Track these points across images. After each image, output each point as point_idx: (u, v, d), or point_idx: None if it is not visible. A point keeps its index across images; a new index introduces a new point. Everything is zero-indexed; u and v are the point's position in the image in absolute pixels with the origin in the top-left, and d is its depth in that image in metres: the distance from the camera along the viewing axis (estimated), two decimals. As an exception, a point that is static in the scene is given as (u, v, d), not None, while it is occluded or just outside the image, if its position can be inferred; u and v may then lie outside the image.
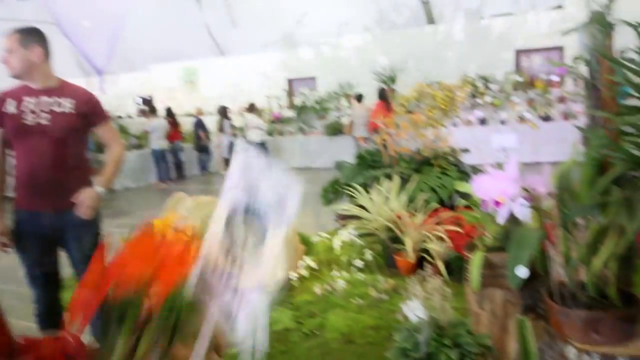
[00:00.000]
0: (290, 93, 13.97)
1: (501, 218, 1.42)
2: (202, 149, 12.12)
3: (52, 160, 2.32)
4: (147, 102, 15.92)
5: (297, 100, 12.64)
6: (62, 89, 2.42)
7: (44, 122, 2.32)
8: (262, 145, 11.12)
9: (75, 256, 2.39)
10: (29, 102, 2.33)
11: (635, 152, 1.32)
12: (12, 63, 2.33)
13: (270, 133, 11.89)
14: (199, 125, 11.92)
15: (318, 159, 11.16)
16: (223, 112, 11.62)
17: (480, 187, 1.40)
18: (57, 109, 2.35)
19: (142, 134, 11.35)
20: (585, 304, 1.33)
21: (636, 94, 1.36)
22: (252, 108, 11.34)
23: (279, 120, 12.70)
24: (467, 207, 2.52)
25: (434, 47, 11.88)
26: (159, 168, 10.82)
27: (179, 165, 11.73)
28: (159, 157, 10.78)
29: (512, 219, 1.50)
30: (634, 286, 1.35)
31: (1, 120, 2.35)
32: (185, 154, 11.95)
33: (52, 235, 2.34)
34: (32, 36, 2.38)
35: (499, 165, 1.60)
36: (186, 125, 12.21)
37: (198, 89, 13.96)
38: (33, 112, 2.32)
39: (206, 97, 13.62)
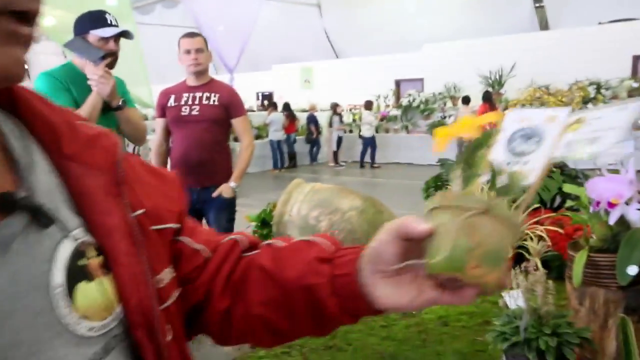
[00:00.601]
0: (398, 93, 13.89)
1: (612, 219, 1.37)
2: (313, 141, 12.48)
3: (202, 144, 2.58)
4: (268, 97, 16.65)
5: (404, 101, 12.54)
6: (211, 84, 2.67)
7: (195, 112, 2.58)
8: (372, 140, 11.24)
9: (213, 226, 2.64)
10: (186, 96, 2.60)
11: None
12: (200, 60, 2.61)
13: (376, 130, 11.95)
14: (312, 120, 12.29)
15: (421, 156, 11.02)
16: (334, 108, 11.87)
17: (595, 189, 1.36)
18: (206, 102, 2.60)
19: (262, 126, 11.92)
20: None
21: None
22: (368, 105, 11.48)
23: (385, 118, 12.70)
24: (572, 208, 2.41)
25: (546, 52, 11.16)
26: (274, 157, 11.32)
27: (292, 155, 12.19)
28: (275, 147, 11.29)
29: (622, 222, 1.44)
30: None
31: (164, 112, 2.65)
32: (298, 145, 12.38)
33: (199, 209, 2.61)
34: (205, 40, 2.67)
35: (614, 170, 1.53)
36: (301, 119, 12.63)
37: (313, 88, 14.33)
38: (188, 104, 2.59)
39: (320, 95, 13.97)
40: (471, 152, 0.60)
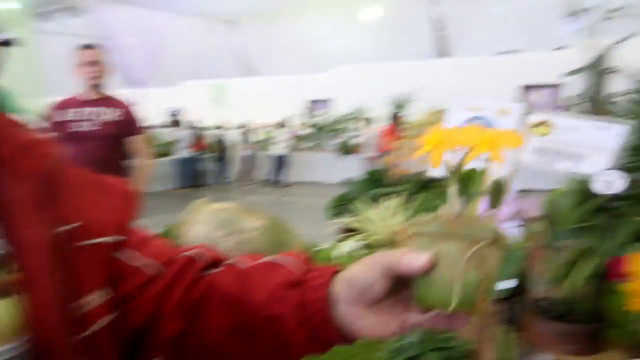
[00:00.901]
0: (309, 113, 14.12)
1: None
2: (223, 160, 12.28)
3: (96, 162, 2.43)
4: (176, 114, 16.19)
5: (315, 120, 12.76)
6: (108, 99, 2.53)
7: (90, 128, 2.43)
8: (284, 158, 11.32)
9: None
10: (80, 111, 2.44)
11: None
12: (99, 73, 2.44)
13: (289, 148, 12.04)
14: (222, 137, 12.10)
15: (330, 175, 11.22)
16: (245, 127, 11.82)
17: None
18: (101, 118, 2.46)
19: (169, 143, 11.55)
20: (561, 318, 1.36)
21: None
22: (281, 124, 11.56)
23: (296, 137, 12.83)
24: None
25: (445, 78, 11.95)
26: (181, 175, 10.98)
27: (200, 174, 11.90)
28: (182, 164, 10.95)
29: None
30: (603, 303, 1.38)
31: (55, 127, 2.46)
32: (207, 163, 12.11)
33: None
34: (104, 52, 2.52)
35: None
36: (211, 137, 12.40)
37: (225, 105, 14.16)
38: (82, 119, 2.43)
39: (233, 113, 13.84)
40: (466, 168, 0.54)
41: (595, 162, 0.55)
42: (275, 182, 11.62)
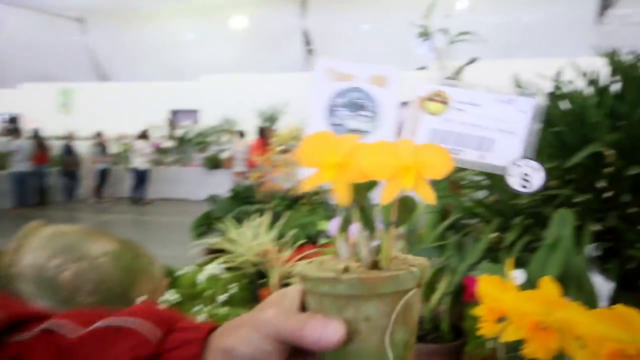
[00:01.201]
0: (172, 124, 13.60)
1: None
2: (71, 174, 11.27)
3: None
4: (14, 120, 14.54)
5: (178, 132, 12.31)
6: None
7: None
8: (145, 173, 10.71)
9: None
10: None
11: (467, 202, 1.46)
12: None
13: (150, 162, 11.44)
14: (69, 149, 11.11)
15: (195, 192, 10.88)
16: (98, 137, 11.00)
17: (335, 227, 1.45)
18: None
19: (3, 154, 10.30)
20: (422, 337, 1.41)
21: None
22: (142, 135, 10.92)
23: (157, 149, 12.26)
24: (329, 244, 2.59)
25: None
26: (19, 192, 9.83)
27: (42, 191, 10.77)
28: (19, 180, 9.82)
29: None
30: (463, 321, 1.46)
31: None
32: (52, 178, 11.02)
33: None
34: None
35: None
36: (55, 148, 11.32)
37: (73, 112, 13.06)
38: None
39: (82, 121, 12.79)
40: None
41: (508, 150, 0.46)
42: (134, 200, 10.94)
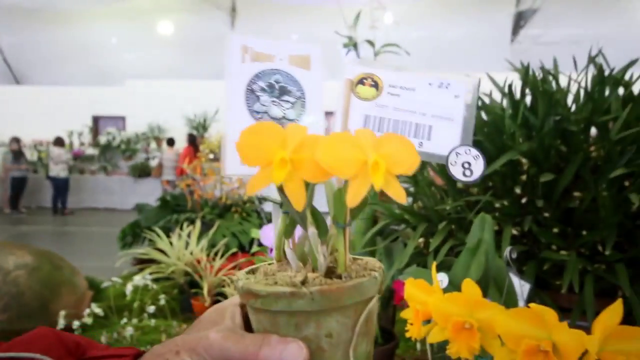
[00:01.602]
0: (96, 130, 12.99)
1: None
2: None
3: None
4: None
5: (103, 139, 11.78)
6: None
7: None
8: (64, 182, 10.15)
9: None
10: None
11: (395, 209, 1.50)
12: None
13: (70, 170, 10.84)
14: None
15: (122, 201, 10.44)
16: (12, 143, 10.30)
17: (267, 236, 1.44)
18: None
19: None
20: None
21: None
22: (59, 142, 10.32)
23: (79, 157, 11.65)
24: (262, 252, 2.57)
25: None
26: None
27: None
28: None
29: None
30: (394, 324, 1.50)
31: None
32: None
33: None
34: None
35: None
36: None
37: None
38: None
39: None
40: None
41: (446, 137, 0.43)
42: (55, 210, 10.32)
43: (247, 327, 0.40)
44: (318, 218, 0.39)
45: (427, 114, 0.44)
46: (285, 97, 0.43)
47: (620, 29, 11.58)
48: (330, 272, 0.39)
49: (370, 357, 0.40)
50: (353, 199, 0.35)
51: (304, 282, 0.37)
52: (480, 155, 0.45)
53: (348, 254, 0.39)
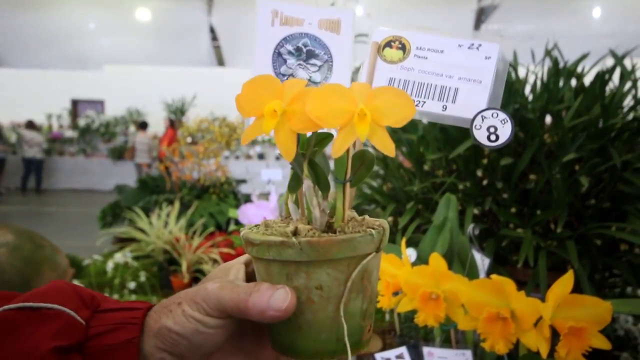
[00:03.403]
0: (75, 113, 12.61)
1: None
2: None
3: None
4: None
5: (82, 122, 11.44)
6: None
7: None
8: (39, 163, 9.88)
9: None
10: None
11: (367, 191, 1.51)
12: None
13: (48, 152, 10.52)
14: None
15: (100, 182, 10.22)
16: (-8, 125, 9.95)
17: (245, 215, 1.44)
18: None
19: None
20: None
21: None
22: (31, 125, 10.00)
23: (58, 139, 11.31)
24: (238, 231, 2.57)
25: (223, 86, 12.08)
26: None
27: None
28: None
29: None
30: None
31: None
32: None
33: None
34: None
35: (264, 196, 1.67)
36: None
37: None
38: None
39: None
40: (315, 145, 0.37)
41: (473, 100, 0.40)
42: (23, 189, 10.08)
43: (251, 282, 0.40)
44: (318, 172, 0.37)
45: (454, 76, 0.41)
46: (312, 61, 0.41)
47: (572, 26, 11.83)
48: (328, 228, 0.37)
49: (367, 316, 0.38)
50: (337, 149, 0.34)
51: (295, 233, 0.35)
52: (508, 119, 0.40)
53: (347, 210, 0.38)
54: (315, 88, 0.34)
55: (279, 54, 0.41)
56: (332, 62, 0.41)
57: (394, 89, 0.37)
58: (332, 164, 0.41)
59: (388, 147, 0.34)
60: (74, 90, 12.81)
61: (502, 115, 0.40)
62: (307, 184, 0.37)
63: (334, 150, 0.34)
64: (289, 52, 0.41)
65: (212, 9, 13.39)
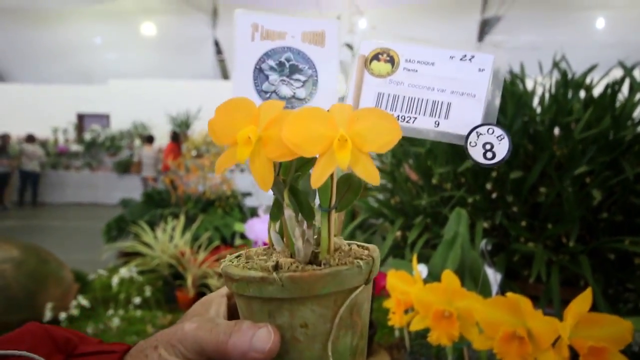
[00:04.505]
0: (80, 127, 12.69)
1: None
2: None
3: None
4: None
5: (87, 136, 11.51)
6: None
7: None
8: (37, 177, 10.02)
9: None
10: None
11: (373, 203, 1.50)
12: None
13: (54, 166, 10.58)
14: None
15: (106, 196, 10.25)
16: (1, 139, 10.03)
17: (252, 230, 1.43)
18: None
19: None
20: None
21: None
22: (31, 139, 10.11)
23: (64, 153, 11.37)
24: (244, 245, 2.55)
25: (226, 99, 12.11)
26: None
27: None
28: None
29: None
30: (371, 313, 1.50)
31: None
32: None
33: None
34: None
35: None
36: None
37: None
38: None
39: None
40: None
41: (467, 115, 0.38)
42: (20, 202, 10.19)
43: (235, 317, 0.38)
44: (301, 199, 0.35)
45: (447, 90, 0.39)
46: (296, 76, 0.39)
47: (576, 37, 11.85)
48: (315, 257, 0.35)
49: (358, 353, 0.35)
50: (316, 179, 0.31)
51: (276, 268, 0.33)
52: (505, 136, 0.38)
53: (332, 239, 0.35)
54: (293, 112, 0.32)
55: (261, 70, 0.39)
56: (317, 76, 0.39)
57: (377, 110, 0.34)
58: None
59: (372, 176, 0.31)
60: (79, 104, 12.90)
61: (499, 132, 0.38)
62: (287, 213, 0.35)
63: (313, 180, 0.31)
64: (271, 68, 0.39)
65: (217, 23, 13.51)
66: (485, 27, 13.05)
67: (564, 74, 1.46)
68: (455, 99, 0.39)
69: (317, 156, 0.32)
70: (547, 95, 1.49)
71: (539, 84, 1.53)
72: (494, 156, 0.38)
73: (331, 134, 0.32)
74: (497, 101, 0.40)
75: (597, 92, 1.49)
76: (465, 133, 0.39)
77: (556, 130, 1.45)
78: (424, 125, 0.39)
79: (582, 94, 1.50)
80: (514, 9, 11.85)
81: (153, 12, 13.49)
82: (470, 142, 0.38)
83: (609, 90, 1.38)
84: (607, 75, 1.55)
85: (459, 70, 0.39)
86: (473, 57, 0.39)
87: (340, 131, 0.32)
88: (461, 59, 0.39)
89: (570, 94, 1.46)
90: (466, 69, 0.39)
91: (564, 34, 11.40)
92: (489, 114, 0.39)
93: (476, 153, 0.38)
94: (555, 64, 1.53)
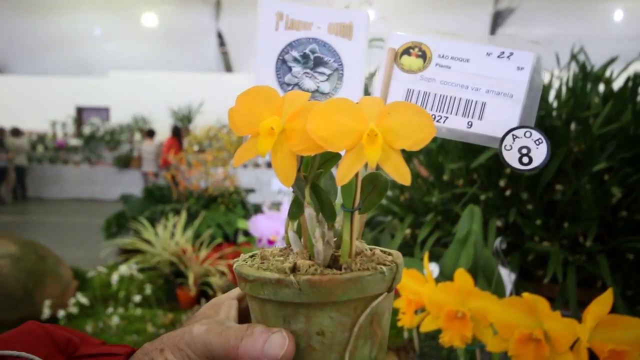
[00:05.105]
0: (79, 121, 12.74)
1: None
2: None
3: None
4: None
5: (87, 130, 11.55)
6: None
7: None
8: (23, 170, 10.13)
9: None
10: None
11: (382, 201, 1.49)
12: None
13: (52, 160, 10.63)
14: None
15: (105, 191, 10.28)
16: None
17: (256, 227, 1.43)
18: None
19: None
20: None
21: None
22: (16, 132, 10.20)
23: (63, 147, 11.42)
24: (248, 242, 2.55)
25: (230, 93, 12.11)
26: None
27: None
28: None
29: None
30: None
31: None
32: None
33: None
34: None
35: (276, 206, 1.65)
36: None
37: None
38: None
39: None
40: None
41: (503, 117, 0.36)
42: (14, 198, 10.29)
43: (246, 321, 0.37)
44: (322, 198, 0.33)
45: (482, 89, 0.37)
46: (321, 69, 0.38)
47: (593, 29, 11.76)
48: (335, 261, 0.33)
49: None
50: (343, 176, 0.30)
51: (294, 270, 0.32)
52: (543, 140, 0.36)
53: (355, 242, 0.33)
54: (319, 103, 0.31)
55: (284, 61, 0.38)
56: (342, 70, 0.38)
57: (411, 105, 0.32)
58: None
59: (403, 175, 0.30)
60: (78, 97, 12.94)
61: (537, 135, 0.36)
62: (308, 212, 0.33)
63: (339, 177, 0.30)
64: (295, 59, 0.38)
65: (220, 14, 13.51)
66: (498, 19, 12.98)
67: (582, 66, 1.44)
68: (490, 98, 0.37)
69: (343, 152, 0.31)
70: (564, 89, 1.47)
71: (556, 77, 1.51)
72: (530, 161, 0.37)
73: (360, 128, 0.31)
74: (537, 102, 0.37)
75: (616, 86, 1.47)
76: (500, 135, 0.37)
77: (573, 125, 1.43)
78: (456, 125, 0.38)
79: (601, 87, 1.48)
80: (528, 1, 11.77)
81: (154, 2, 13.49)
82: (505, 146, 0.37)
83: (630, 84, 1.37)
84: (626, 68, 1.53)
85: (496, 68, 0.38)
86: (512, 54, 0.38)
87: (371, 125, 0.31)
88: (499, 56, 0.38)
89: (588, 88, 1.44)
90: (504, 67, 0.37)
91: (580, 27, 11.32)
92: (527, 116, 0.37)
93: (511, 157, 0.37)
94: (573, 56, 1.52)
